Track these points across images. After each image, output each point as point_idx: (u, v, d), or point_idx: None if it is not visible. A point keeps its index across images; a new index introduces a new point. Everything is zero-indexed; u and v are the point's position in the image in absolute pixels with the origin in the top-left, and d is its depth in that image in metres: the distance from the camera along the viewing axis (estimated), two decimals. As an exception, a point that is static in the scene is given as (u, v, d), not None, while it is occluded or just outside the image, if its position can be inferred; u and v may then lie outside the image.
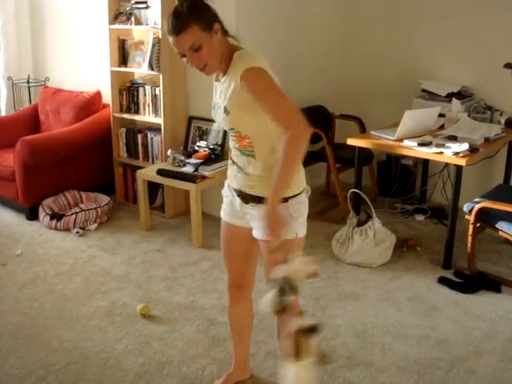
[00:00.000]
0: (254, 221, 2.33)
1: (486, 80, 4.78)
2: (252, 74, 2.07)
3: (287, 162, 2.03)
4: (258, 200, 2.26)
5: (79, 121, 5.15)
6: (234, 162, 2.36)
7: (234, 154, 2.35)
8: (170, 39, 2.09)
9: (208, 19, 2.09)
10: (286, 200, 2.22)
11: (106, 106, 5.28)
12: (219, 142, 4.63)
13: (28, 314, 3.46)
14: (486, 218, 3.81)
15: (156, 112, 4.84)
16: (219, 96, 2.25)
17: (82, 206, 4.75)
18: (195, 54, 2.08)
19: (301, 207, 2.31)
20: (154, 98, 4.81)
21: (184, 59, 2.14)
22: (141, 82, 4.97)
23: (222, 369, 2.92)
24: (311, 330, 1.97)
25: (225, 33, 2.19)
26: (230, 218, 2.49)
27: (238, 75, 2.08)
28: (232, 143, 2.33)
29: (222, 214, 2.54)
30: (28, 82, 5.96)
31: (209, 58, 2.11)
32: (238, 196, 2.37)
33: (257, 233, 2.34)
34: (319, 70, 5.20)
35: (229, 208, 2.48)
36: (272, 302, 1.96)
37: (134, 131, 5.06)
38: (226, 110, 2.19)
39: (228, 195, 2.47)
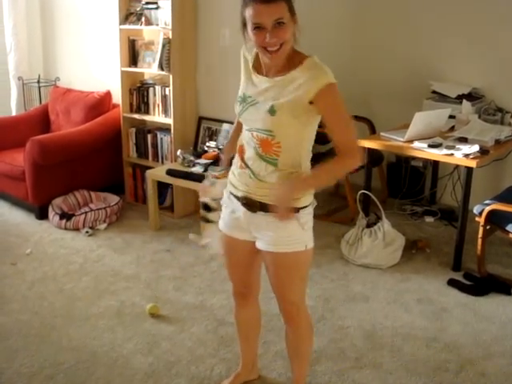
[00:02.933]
0: (260, 231, 2.25)
1: (497, 81, 4.75)
2: (334, 91, 2.05)
3: (330, 174, 2.21)
4: (268, 208, 2.18)
5: (89, 121, 5.18)
6: (247, 166, 2.23)
7: (249, 157, 2.22)
8: (252, 8, 1.97)
9: (292, 5, 2.03)
10: (297, 210, 2.19)
11: (116, 106, 5.30)
12: (229, 143, 4.63)
13: (37, 313, 3.47)
14: (497, 221, 3.79)
15: (166, 112, 4.85)
16: (261, 91, 2.14)
17: (91, 205, 4.76)
18: (279, 29, 1.98)
19: (310, 219, 2.26)
20: (164, 98, 4.82)
21: (256, 35, 2.00)
22: (151, 82, 4.99)
23: (231, 369, 2.92)
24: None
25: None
26: (229, 231, 2.39)
27: (317, 86, 2.02)
28: (251, 145, 2.20)
29: (222, 226, 2.43)
30: (38, 81, 5.98)
31: (288, 40, 2.02)
32: (244, 204, 2.26)
33: (260, 244, 2.28)
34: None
35: (229, 219, 2.37)
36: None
37: (144, 131, 5.07)
38: (272, 110, 2.08)
39: (228, 205, 2.35)
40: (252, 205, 2.23)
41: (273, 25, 1.97)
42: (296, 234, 2.22)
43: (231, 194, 2.32)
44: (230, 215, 2.36)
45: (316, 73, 2.05)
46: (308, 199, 2.23)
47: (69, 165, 4.91)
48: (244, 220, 2.29)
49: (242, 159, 2.26)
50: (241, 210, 2.27)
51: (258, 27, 1.99)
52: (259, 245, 2.29)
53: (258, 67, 2.20)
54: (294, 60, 2.09)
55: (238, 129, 2.42)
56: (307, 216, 2.24)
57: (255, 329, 2.76)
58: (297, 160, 2.18)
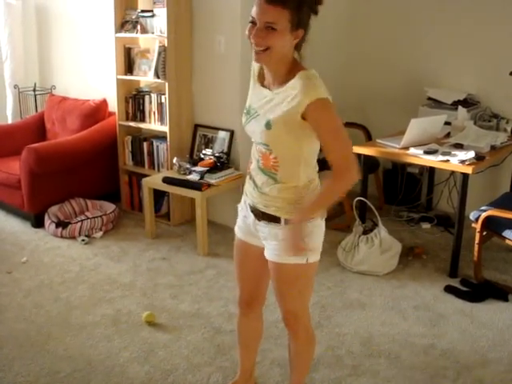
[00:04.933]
0: (265, 239, 2.28)
1: (492, 88, 4.77)
2: (324, 106, 2.01)
3: (329, 196, 2.18)
4: (270, 219, 2.22)
5: (85, 129, 5.17)
6: (251, 178, 2.29)
7: (253, 169, 2.27)
8: (256, 3, 1.98)
9: (301, 19, 2.01)
10: None
11: (111, 114, 5.30)
12: (225, 150, 4.63)
13: (33, 322, 3.45)
14: (493, 227, 3.80)
15: (162, 120, 4.84)
16: (263, 104, 2.14)
17: (87, 213, 4.75)
18: (267, 32, 1.96)
19: (315, 231, 2.24)
20: (160, 105, 4.82)
21: (249, 28, 2.01)
22: (147, 89, 4.99)
23: (228, 377, 2.91)
24: None
25: (299, 47, 2.10)
26: (243, 236, 2.42)
27: (306, 100, 1.99)
28: (255, 158, 2.24)
29: (237, 230, 2.47)
30: (34, 90, 5.98)
31: (273, 48, 1.98)
32: (252, 212, 2.30)
33: (268, 253, 2.29)
34: (324, 78, 5.18)
35: (243, 224, 2.40)
36: None
37: (140, 139, 5.07)
38: (268, 125, 2.09)
39: (243, 210, 2.39)
40: (257, 214, 2.27)
41: (263, 25, 1.96)
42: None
43: (245, 201, 2.37)
44: (243, 220, 2.40)
45: (306, 86, 2.02)
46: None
47: (65, 173, 4.90)
48: (253, 227, 2.33)
49: (249, 171, 2.32)
50: (251, 216, 2.32)
51: (252, 21, 2.00)
52: (265, 253, 2.31)
53: (262, 80, 2.21)
54: (290, 71, 2.08)
55: None
56: (312, 229, 2.22)
57: (256, 339, 2.74)
58: (296, 175, 2.18)
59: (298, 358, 2.56)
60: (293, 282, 2.31)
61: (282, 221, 2.20)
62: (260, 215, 2.26)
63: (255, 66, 2.25)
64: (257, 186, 2.25)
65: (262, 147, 2.18)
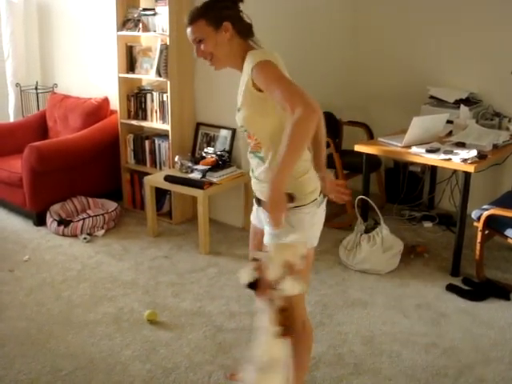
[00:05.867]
0: (263, 224, 2.35)
1: (494, 86, 4.76)
2: (261, 66, 2.09)
3: (292, 143, 1.91)
4: (261, 203, 2.31)
5: (87, 127, 5.17)
6: (250, 164, 2.39)
7: (248, 152, 2.34)
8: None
9: (217, 17, 2.19)
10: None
11: (113, 112, 5.29)
12: (227, 149, 4.63)
13: (35, 320, 3.46)
14: (495, 225, 3.79)
15: (163, 118, 4.84)
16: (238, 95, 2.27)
17: (89, 212, 4.75)
18: (199, 45, 2.23)
19: (303, 219, 2.25)
20: (162, 104, 4.82)
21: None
22: (148, 88, 4.98)
23: (229, 375, 2.92)
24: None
25: (243, 34, 2.25)
26: (254, 218, 2.51)
27: (249, 69, 2.12)
28: (247, 143, 2.34)
29: (252, 215, 2.56)
30: (36, 88, 5.98)
31: (214, 52, 2.22)
32: (254, 198, 2.43)
33: (265, 238, 2.34)
34: (327, 76, 5.20)
35: (255, 207, 2.49)
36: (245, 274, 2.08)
37: (142, 137, 5.07)
38: (238, 108, 2.23)
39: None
40: (255, 199, 2.41)
41: (196, 42, 2.25)
42: (284, 231, 2.21)
43: None
44: (255, 204, 2.48)
45: (248, 61, 2.15)
46: (300, 200, 2.23)
47: (66, 171, 4.91)
48: (259, 211, 2.42)
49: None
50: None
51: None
52: (264, 238, 2.34)
53: None
54: (244, 59, 2.22)
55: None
56: (299, 215, 2.24)
57: None
58: (275, 150, 2.17)
59: (295, 351, 2.56)
60: None
61: None
62: (257, 200, 2.39)
63: None
64: (253, 171, 2.36)
65: (242, 130, 2.29)
